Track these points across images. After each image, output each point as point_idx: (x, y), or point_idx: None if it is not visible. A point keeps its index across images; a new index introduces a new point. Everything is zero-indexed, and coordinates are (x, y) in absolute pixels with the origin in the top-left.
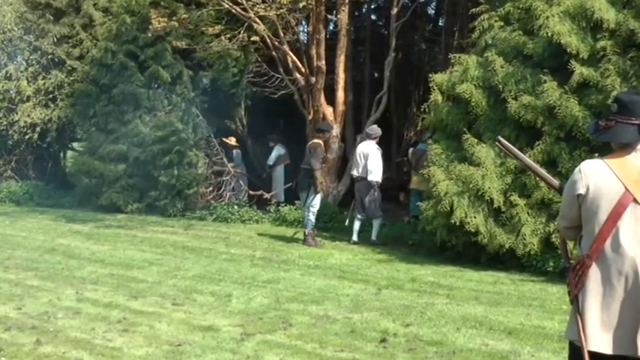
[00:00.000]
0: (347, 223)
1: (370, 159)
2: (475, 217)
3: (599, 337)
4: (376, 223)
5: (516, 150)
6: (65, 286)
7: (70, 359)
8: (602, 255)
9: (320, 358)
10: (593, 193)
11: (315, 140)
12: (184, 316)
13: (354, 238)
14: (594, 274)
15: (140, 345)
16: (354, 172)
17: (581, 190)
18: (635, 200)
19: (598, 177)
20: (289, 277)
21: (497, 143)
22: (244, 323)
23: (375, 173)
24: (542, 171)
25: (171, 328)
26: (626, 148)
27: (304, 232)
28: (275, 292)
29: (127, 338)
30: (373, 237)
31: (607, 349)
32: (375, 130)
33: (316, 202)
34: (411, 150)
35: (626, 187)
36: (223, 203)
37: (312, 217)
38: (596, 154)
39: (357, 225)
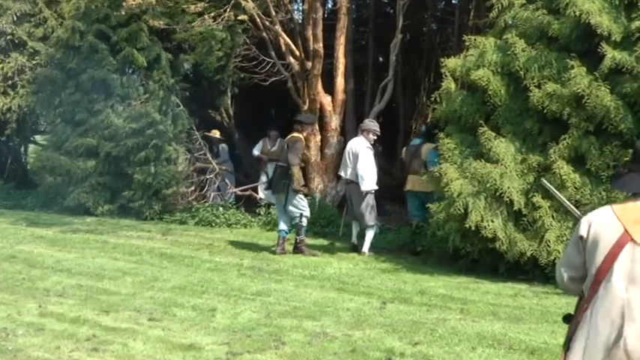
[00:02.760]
0: (340, 233)
1: (360, 161)
2: (493, 221)
3: None
4: (369, 234)
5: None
6: (26, 298)
7: None
8: (596, 297)
9: None
10: (593, 235)
11: (295, 134)
12: (162, 334)
13: (354, 239)
14: (586, 317)
15: None
16: (342, 174)
17: (583, 232)
18: (633, 240)
19: (600, 219)
20: (281, 288)
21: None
22: (230, 341)
23: (368, 181)
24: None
25: (147, 346)
26: (637, 196)
27: (296, 240)
28: (265, 305)
29: (97, 358)
30: (364, 249)
31: None
32: (369, 124)
33: (303, 204)
34: (404, 149)
35: (625, 228)
36: (207, 205)
37: (304, 223)
38: (630, 150)
39: (355, 228)
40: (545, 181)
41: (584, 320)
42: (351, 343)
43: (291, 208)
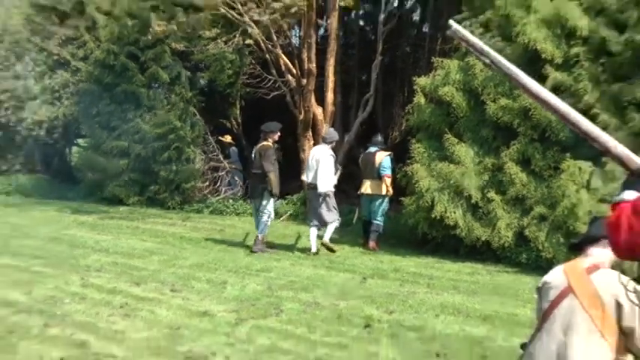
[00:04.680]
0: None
1: (321, 166)
2: (454, 212)
3: None
4: (331, 226)
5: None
6: (71, 273)
7: (77, 342)
8: (540, 334)
9: (309, 342)
10: (545, 285)
11: (265, 143)
12: (182, 302)
13: (313, 249)
14: (533, 349)
15: (141, 329)
16: (304, 177)
17: (540, 283)
18: (573, 293)
19: (553, 273)
20: (281, 266)
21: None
22: (238, 309)
23: (324, 183)
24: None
25: (170, 313)
26: (583, 251)
27: (258, 237)
28: (267, 280)
29: (129, 322)
30: (325, 238)
31: None
32: (331, 134)
33: (271, 207)
34: (361, 155)
35: (568, 282)
36: (219, 197)
37: (269, 223)
38: (567, 154)
39: (313, 234)
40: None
41: (530, 352)
42: (337, 311)
43: (263, 211)
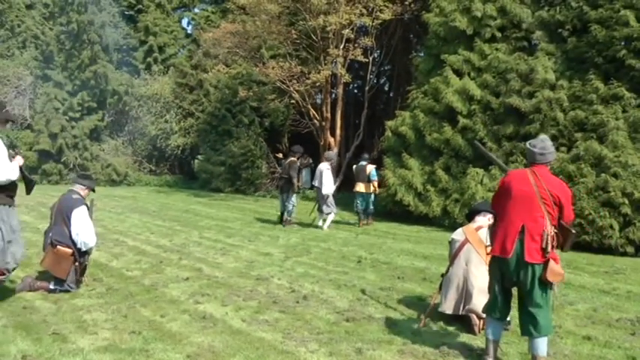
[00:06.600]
0: (310, 216)
1: (323, 176)
2: (408, 197)
3: (445, 301)
4: (329, 217)
5: (486, 151)
6: (193, 230)
7: (196, 268)
8: (453, 266)
9: (325, 270)
10: (453, 239)
11: (292, 158)
12: (254, 247)
13: (321, 224)
14: (449, 275)
15: (232, 261)
16: (315, 183)
17: (450, 238)
18: (470, 243)
19: (457, 232)
20: (309, 229)
21: (476, 144)
22: (286, 251)
23: (326, 187)
24: (500, 161)
25: (247, 253)
26: (472, 219)
27: (288, 218)
28: (302, 235)
29: (225, 258)
30: (325, 227)
31: (448, 309)
32: (330, 155)
33: (294, 198)
34: (354, 166)
35: (466, 237)
36: (276, 188)
37: (294, 210)
38: (470, 165)
39: (320, 217)
40: (477, 143)
41: (448, 277)
42: (342, 252)
43: (289, 202)
